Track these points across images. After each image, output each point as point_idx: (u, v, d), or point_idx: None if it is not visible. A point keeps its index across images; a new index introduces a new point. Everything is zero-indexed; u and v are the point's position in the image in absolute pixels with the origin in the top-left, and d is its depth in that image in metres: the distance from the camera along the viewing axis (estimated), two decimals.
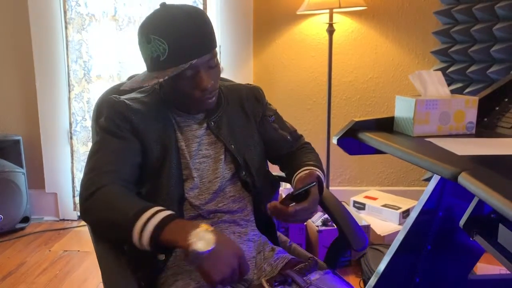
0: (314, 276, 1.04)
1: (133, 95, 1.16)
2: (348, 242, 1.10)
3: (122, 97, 1.12)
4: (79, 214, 2.87)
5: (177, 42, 1.00)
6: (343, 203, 2.44)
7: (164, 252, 1.05)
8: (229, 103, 1.21)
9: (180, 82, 1.05)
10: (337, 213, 1.16)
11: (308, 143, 1.31)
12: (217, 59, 1.09)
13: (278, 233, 1.34)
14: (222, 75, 1.27)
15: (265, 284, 1.00)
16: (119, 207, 0.95)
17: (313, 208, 1.03)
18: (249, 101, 1.24)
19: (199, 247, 0.84)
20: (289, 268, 1.05)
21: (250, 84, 1.30)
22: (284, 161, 1.27)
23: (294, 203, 1.02)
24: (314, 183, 1.05)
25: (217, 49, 2.64)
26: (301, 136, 1.32)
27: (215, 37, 1.08)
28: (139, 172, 1.08)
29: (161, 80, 1.01)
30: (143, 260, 1.07)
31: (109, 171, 1.01)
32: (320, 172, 1.16)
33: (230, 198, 1.15)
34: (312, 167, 1.16)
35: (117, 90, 1.28)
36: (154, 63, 1.03)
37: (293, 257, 1.11)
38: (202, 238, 0.85)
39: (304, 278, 1.02)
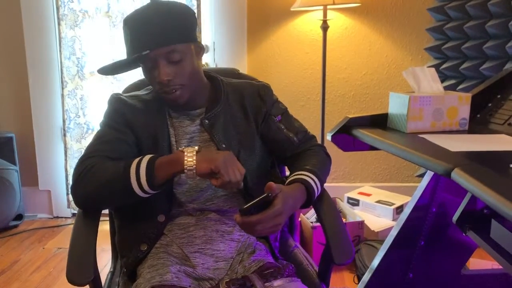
0: (277, 283, 1.00)
1: (135, 92, 1.22)
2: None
3: (124, 94, 1.18)
4: (73, 211, 2.87)
5: (135, 32, 1.04)
6: (337, 199, 2.47)
7: (164, 188, 1.07)
8: (229, 101, 1.19)
9: (145, 74, 1.10)
10: (327, 222, 1.09)
11: (318, 145, 1.24)
12: (184, 55, 1.05)
13: (288, 237, 1.32)
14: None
15: (222, 286, 0.99)
16: (107, 171, 1.03)
17: (272, 221, 0.94)
18: (251, 99, 1.20)
19: (188, 160, 0.98)
20: (260, 272, 1.02)
21: (259, 82, 1.27)
22: (289, 163, 1.23)
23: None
24: (269, 194, 0.95)
25: (211, 45, 2.65)
26: (311, 137, 1.25)
27: (185, 32, 1.06)
28: None
29: (108, 65, 1.08)
30: (128, 247, 1.13)
31: (96, 156, 1.06)
32: (313, 177, 1.10)
33: (221, 197, 1.14)
34: (305, 172, 1.10)
35: (132, 87, 1.34)
36: (125, 51, 1.09)
37: (269, 261, 1.07)
38: (187, 154, 0.99)
39: (266, 283, 0.99)
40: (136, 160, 1.03)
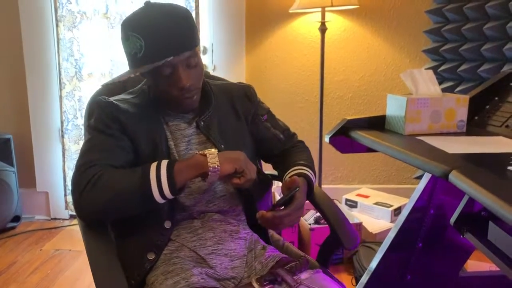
0: (305, 275, 1.03)
1: (122, 96, 1.17)
2: (340, 241, 1.10)
3: (111, 98, 1.14)
4: (70, 213, 2.86)
5: (153, 39, 1.01)
6: (335, 201, 2.47)
7: (180, 193, 1.06)
8: (219, 103, 1.20)
9: (159, 80, 1.07)
10: (329, 211, 1.16)
11: (301, 142, 1.31)
12: (198, 59, 1.08)
13: (271, 232, 1.34)
14: (214, 74, 1.28)
15: (254, 283, 1.00)
16: (120, 179, 1.00)
17: (297, 213, 1.03)
18: (240, 100, 1.23)
19: (211, 162, 0.99)
20: (279, 267, 1.04)
21: (242, 83, 1.29)
22: (277, 160, 1.27)
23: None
24: (297, 188, 1.04)
25: (209, 47, 2.65)
26: (294, 134, 1.31)
27: (196, 36, 1.07)
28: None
29: (132, 75, 1.03)
30: (132, 258, 1.08)
31: (98, 164, 1.02)
32: (310, 171, 1.16)
33: (221, 198, 1.14)
34: (302, 167, 1.15)
35: (107, 90, 1.29)
36: (132, 60, 1.05)
37: (284, 255, 1.11)
38: (209, 155, 1.00)
39: (294, 277, 1.02)
40: (154, 165, 1.00)
